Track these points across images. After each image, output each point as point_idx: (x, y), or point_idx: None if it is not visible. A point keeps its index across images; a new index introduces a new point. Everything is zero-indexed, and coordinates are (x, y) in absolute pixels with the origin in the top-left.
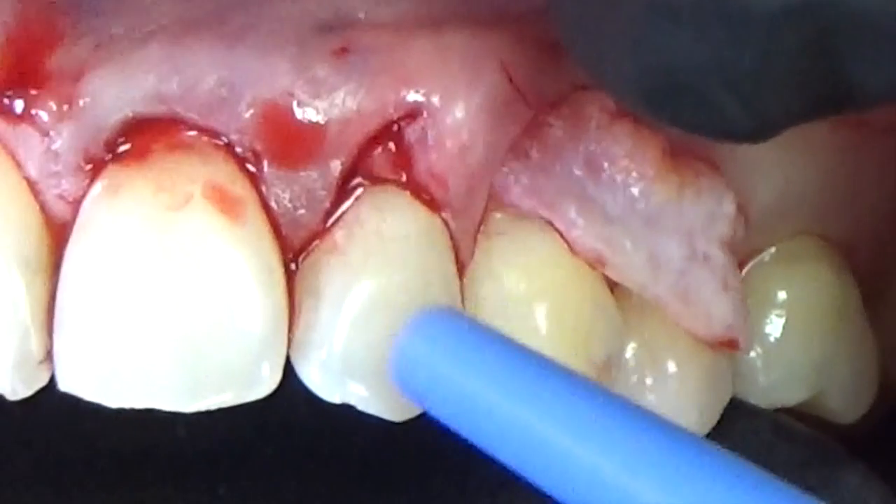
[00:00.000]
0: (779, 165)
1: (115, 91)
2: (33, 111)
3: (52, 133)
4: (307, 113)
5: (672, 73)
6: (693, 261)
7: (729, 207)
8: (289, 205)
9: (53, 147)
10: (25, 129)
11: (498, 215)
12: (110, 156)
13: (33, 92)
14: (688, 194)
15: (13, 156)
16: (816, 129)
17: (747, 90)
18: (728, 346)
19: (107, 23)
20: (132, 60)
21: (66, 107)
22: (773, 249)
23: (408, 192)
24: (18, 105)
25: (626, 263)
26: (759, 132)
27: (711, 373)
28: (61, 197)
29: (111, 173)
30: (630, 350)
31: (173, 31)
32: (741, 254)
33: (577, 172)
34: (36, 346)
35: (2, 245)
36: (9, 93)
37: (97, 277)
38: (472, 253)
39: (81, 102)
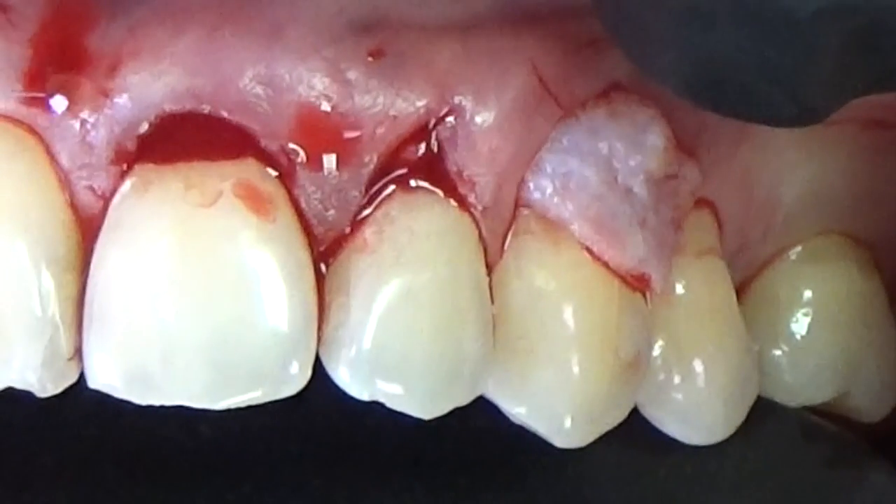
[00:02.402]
0: (805, 164)
1: (150, 87)
2: (71, 99)
3: (88, 124)
4: (341, 115)
5: (714, 67)
6: (612, 189)
7: (655, 140)
8: (319, 204)
9: (88, 138)
10: (63, 119)
11: (526, 213)
12: (142, 151)
13: (72, 76)
14: (598, 115)
15: (48, 149)
16: (844, 128)
17: (791, 84)
18: (639, 282)
19: (142, 8)
20: (167, 54)
21: (102, 98)
22: (799, 248)
23: (438, 191)
24: (58, 99)
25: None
26: (804, 119)
27: (738, 371)
28: (91, 189)
29: (142, 170)
30: (657, 348)
31: (209, 21)
32: (768, 252)
33: None
34: (65, 343)
35: (32, 242)
36: (48, 82)
37: (127, 274)
38: (502, 251)
39: (117, 97)
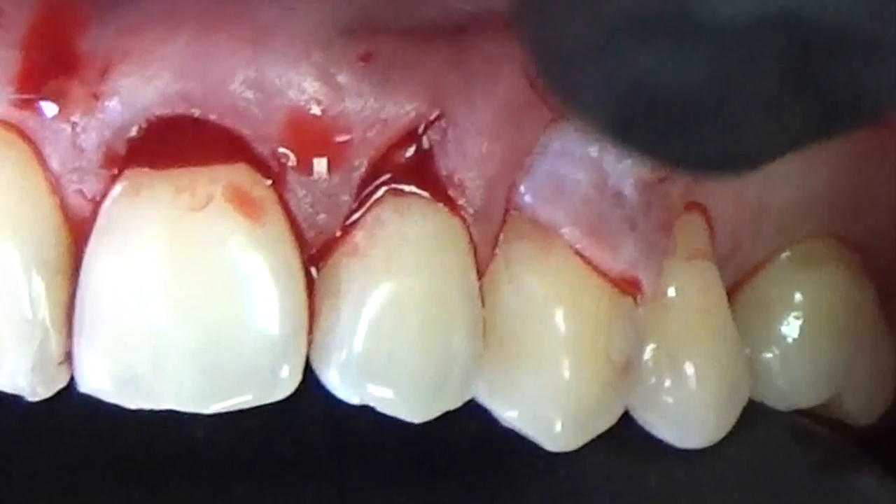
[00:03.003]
0: (796, 167)
1: (140, 91)
2: (62, 102)
3: (78, 128)
4: (331, 119)
5: (643, 92)
6: (603, 193)
7: None
8: (309, 208)
9: (79, 142)
10: (54, 123)
11: (517, 217)
12: (133, 155)
13: (63, 79)
14: None
15: (38, 152)
16: None
17: (719, 115)
18: (629, 285)
19: (132, 10)
20: (157, 58)
21: (93, 102)
22: (789, 251)
23: (428, 196)
24: (49, 102)
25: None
26: (735, 161)
27: (729, 375)
28: (81, 193)
29: (132, 174)
30: (648, 352)
31: (199, 24)
32: (759, 255)
33: None
34: (56, 347)
35: (23, 246)
36: (38, 85)
37: (117, 278)
38: (492, 255)
39: (107, 100)
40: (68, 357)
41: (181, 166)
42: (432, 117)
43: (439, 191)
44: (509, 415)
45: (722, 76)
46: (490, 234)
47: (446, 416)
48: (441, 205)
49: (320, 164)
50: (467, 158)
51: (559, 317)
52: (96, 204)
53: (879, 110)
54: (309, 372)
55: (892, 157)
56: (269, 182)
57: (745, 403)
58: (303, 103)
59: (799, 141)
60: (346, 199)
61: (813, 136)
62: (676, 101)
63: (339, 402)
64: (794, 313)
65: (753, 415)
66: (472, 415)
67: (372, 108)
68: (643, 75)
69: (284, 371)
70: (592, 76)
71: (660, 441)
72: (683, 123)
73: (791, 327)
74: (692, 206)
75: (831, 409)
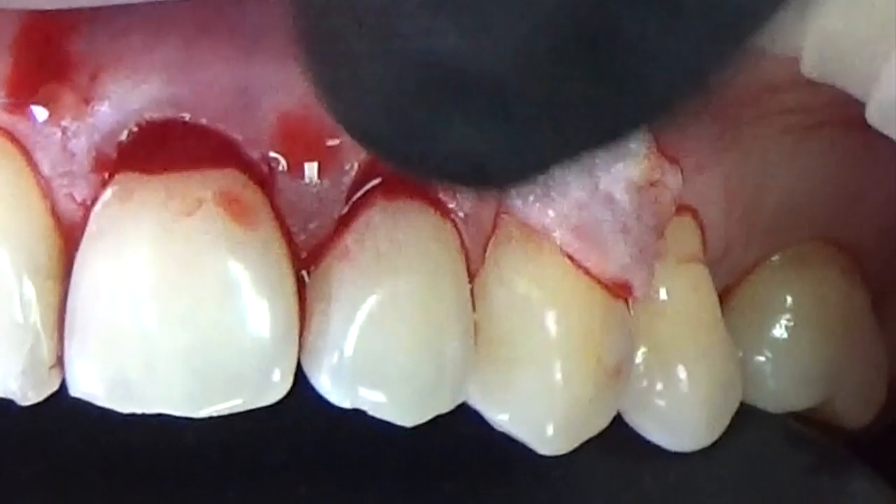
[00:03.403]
0: (789, 170)
1: (130, 95)
2: (53, 107)
3: (69, 132)
4: (322, 122)
5: (429, 71)
6: (594, 197)
7: (636, 147)
8: (301, 212)
9: (69, 146)
10: (45, 127)
11: (508, 220)
12: (123, 159)
13: (53, 83)
14: None
15: (30, 157)
16: (829, 131)
17: (524, 97)
18: (621, 288)
19: (122, 14)
20: (147, 62)
21: (83, 106)
22: (781, 254)
23: (419, 199)
24: (40, 106)
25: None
26: (525, 163)
27: (721, 378)
28: (72, 197)
29: (123, 178)
30: (640, 355)
31: (190, 29)
32: (751, 258)
33: None
34: (47, 352)
35: (14, 250)
36: (29, 89)
37: (108, 283)
38: (483, 258)
39: (98, 105)
40: (59, 361)
41: (172, 171)
42: None
43: (430, 194)
44: (501, 418)
45: (523, 56)
46: (481, 237)
47: (438, 420)
48: (432, 208)
49: (311, 168)
50: None
51: (550, 320)
52: (87, 208)
53: (667, 108)
54: (300, 376)
55: (882, 159)
56: (260, 186)
57: (737, 406)
58: (292, 107)
59: (592, 139)
60: (336, 202)
61: (605, 134)
62: (463, 78)
63: (331, 406)
64: (786, 316)
65: (745, 418)
66: (464, 418)
67: None
68: (425, 51)
69: (276, 375)
70: (368, 56)
71: (652, 444)
72: (472, 106)
73: (782, 330)
74: (683, 209)
75: (823, 412)
